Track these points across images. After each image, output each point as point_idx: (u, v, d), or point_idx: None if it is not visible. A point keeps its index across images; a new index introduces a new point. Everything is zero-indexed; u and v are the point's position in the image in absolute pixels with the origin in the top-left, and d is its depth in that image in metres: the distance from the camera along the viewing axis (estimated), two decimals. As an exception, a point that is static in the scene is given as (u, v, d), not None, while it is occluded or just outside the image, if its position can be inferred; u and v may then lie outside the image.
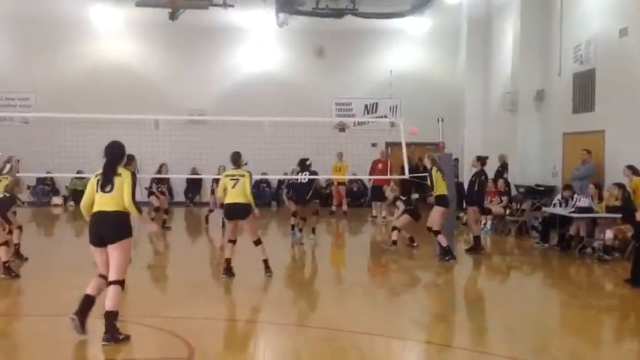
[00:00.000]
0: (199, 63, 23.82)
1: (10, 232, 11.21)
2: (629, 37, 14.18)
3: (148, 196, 16.82)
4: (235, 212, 10.38)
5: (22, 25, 23.15)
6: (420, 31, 23.40)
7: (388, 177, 17.58)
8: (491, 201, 16.02)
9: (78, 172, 20.74)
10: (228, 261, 10.43)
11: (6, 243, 10.26)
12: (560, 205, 14.23)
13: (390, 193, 14.94)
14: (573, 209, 13.24)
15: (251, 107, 21.49)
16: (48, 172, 20.15)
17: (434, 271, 11.83)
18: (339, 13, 21.31)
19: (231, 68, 24.09)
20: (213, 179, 16.25)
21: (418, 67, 24.12)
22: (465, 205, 14.69)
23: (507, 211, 16.25)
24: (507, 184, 16.95)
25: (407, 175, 14.46)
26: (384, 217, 18.57)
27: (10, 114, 22.64)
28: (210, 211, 17.65)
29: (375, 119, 23.61)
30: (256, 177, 18.24)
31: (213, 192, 17.53)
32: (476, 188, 13.35)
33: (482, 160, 13.65)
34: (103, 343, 6.65)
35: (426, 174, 13.20)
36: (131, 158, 10.91)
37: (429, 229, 12.55)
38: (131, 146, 8.08)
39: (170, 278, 11.33)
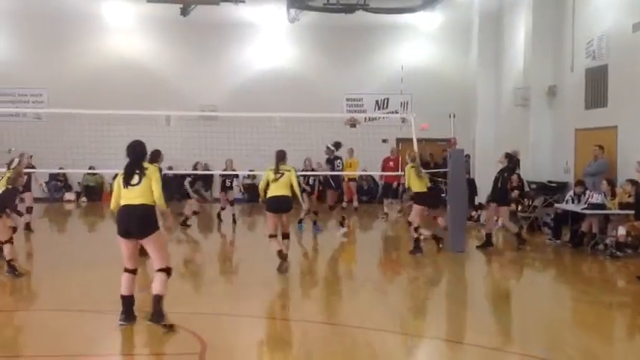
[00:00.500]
0: (210, 59, 23.91)
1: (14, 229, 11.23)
2: (642, 33, 14.06)
3: (187, 197, 16.70)
4: (279, 205, 10.60)
5: (35, 22, 23.30)
6: (431, 26, 23.35)
7: (399, 173, 17.55)
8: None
9: (90, 168, 20.88)
10: (280, 252, 10.49)
11: (11, 240, 10.29)
12: (573, 202, 14.14)
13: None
14: (586, 205, 13.20)
15: (262, 103, 21.54)
16: (60, 168, 20.24)
17: (445, 267, 11.82)
18: (350, 9, 21.28)
19: (243, 64, 24.13)
20: (221, 175, 16.31)
21: (429, 63, 24.07)
22: (486, 201, 14.74)
23: (519, 207, 16.20)
24: (520, 179, 16.90)
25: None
26: (399, 211, 18.89)
27: (23, 110, 22.85)
28: (222, 208, 17.71)
29: (387, 115, 23.58)
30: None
31: (223, 189, 17.61)
32: (499, 185, 13.42)
33: (509, 157, 13.76)
34: (148, 322, 7.10)
35: (438, 170, 13.28)
36: (157, 154, 11.07)
37: (409, 223, 13.08)
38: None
39: (184, 274, 11.35)
